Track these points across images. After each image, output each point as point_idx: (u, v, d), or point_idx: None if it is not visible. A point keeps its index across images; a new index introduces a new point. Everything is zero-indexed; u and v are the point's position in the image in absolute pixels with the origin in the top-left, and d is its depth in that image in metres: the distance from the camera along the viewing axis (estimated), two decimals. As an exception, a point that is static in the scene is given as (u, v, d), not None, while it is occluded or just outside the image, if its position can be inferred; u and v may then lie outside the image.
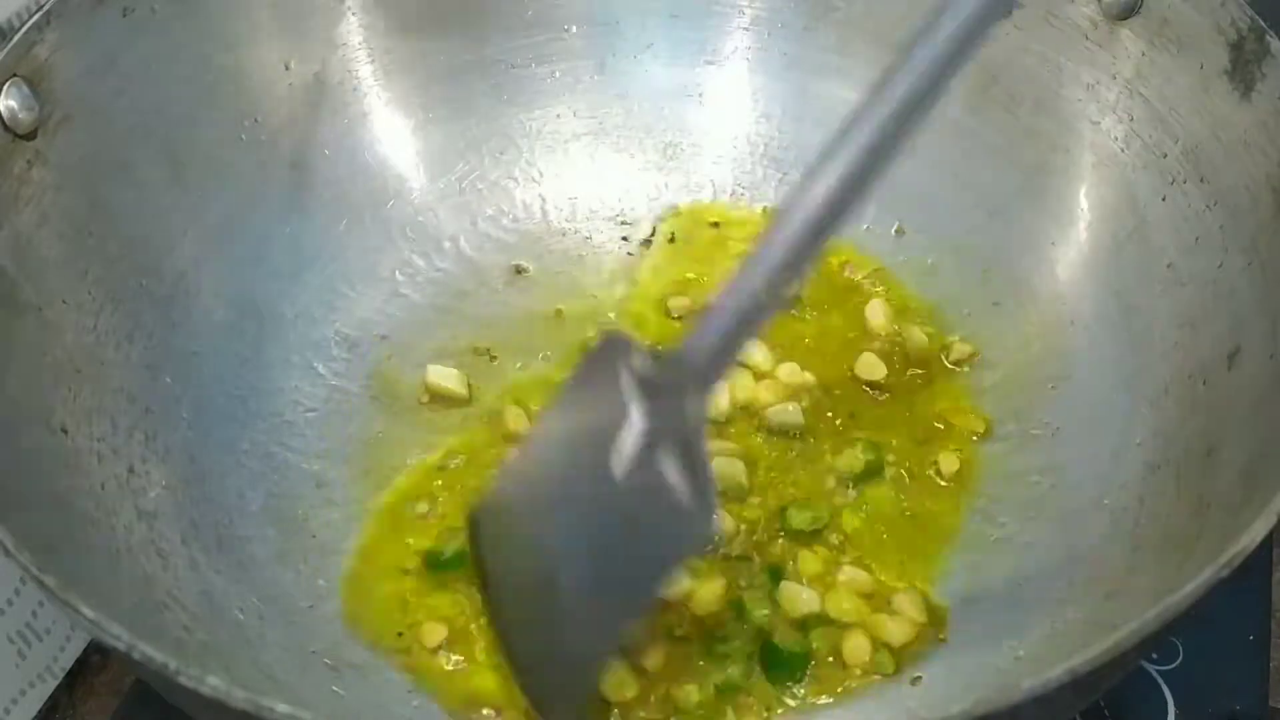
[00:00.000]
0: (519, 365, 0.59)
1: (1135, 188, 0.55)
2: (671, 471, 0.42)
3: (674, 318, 0.60)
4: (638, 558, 0.44)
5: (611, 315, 0.61)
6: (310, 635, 0.49)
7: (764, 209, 0.64)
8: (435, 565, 0.51)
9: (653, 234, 0.64)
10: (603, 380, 0.45)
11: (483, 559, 0.50)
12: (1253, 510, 0.38)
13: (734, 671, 0.48)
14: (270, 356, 0.57)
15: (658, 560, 0.44)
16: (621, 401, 0.44)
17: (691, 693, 0.47)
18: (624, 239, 0.64)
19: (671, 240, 0.64)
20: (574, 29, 0.65)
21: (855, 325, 0.59)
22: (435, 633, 0.49)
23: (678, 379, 0.43)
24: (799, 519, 0.52)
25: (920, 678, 0.48)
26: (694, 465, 0.42)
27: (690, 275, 0.62)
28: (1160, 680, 0.52)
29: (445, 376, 0.57)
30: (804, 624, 0.49)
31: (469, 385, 0.58)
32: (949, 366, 0.58)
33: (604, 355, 0.46)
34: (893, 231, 0.62)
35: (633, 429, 0.43)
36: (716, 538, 0.50)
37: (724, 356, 0.43)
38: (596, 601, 0.45)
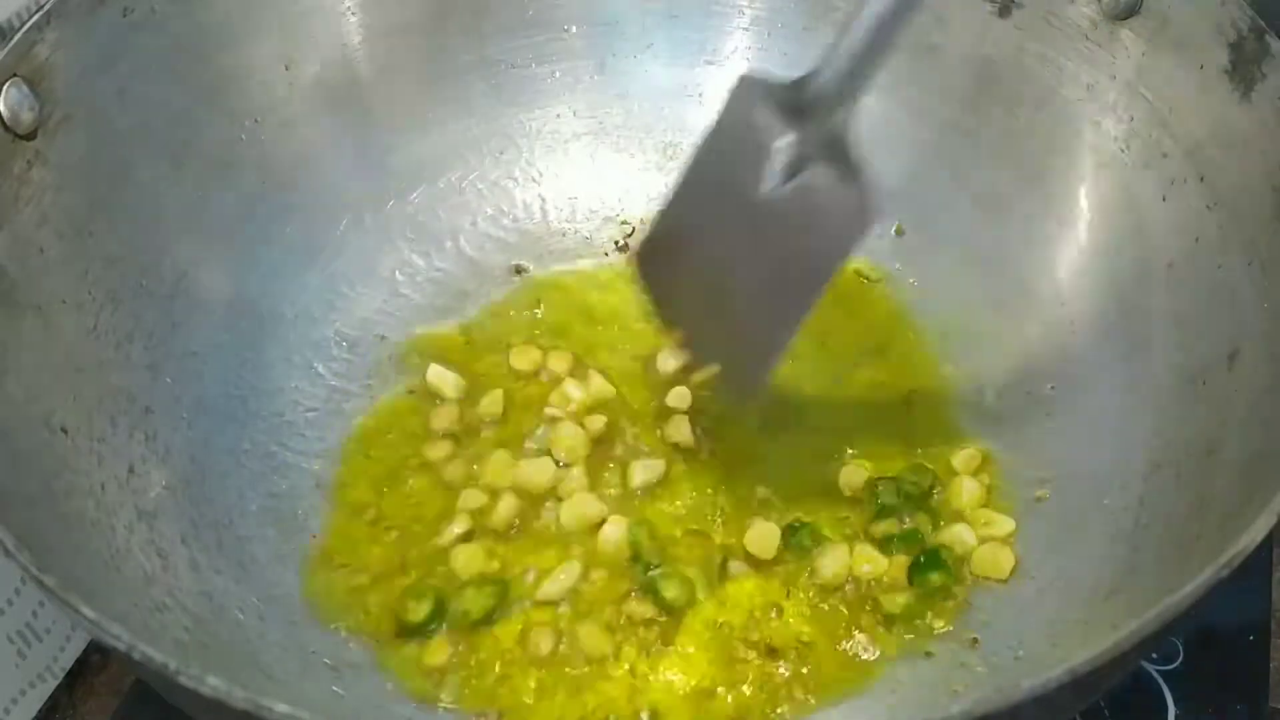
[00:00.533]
0: (519, 365, 0.59)
1: (1135, 188, 0.55)
2: (823, 180, 0.48)
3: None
4: (810, 252, 0.49)
5: (611, 314, 0.61)
6: (310, 635, 0.49)
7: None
8: (406, 632, 0.50)
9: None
10: (745, 116, 0.50)
11: (655, 287, 0.55)
12: (1253, 510, 0.38)
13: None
14: (270, 356, 0.57)
15: (824, 259, 0.49)
16: (767, 125, 0.49)
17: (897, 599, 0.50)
18: (624, 239, 0.64)
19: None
20: (574, 29, 0.65)
21: (856, 324, 0.60)
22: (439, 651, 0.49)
23: (816, 96, 0.48)
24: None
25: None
26: (848, 164, 0.47)
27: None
28: (1160, 680, 0.52)
29: (443, 378, 0.57)
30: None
31: (464, 387, 0.57)
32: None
33: (742, 92, 0.51)
34: (892, 231, 0.62)
35: (778, 151, 0.48)
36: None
37: (860, 70, 0.47)
38: (777, 296, 0.50)
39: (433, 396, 0.57)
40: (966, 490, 0.53)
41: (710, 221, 0.52)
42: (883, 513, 0.53)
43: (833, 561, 0.51)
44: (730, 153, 0.51)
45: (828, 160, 0.48)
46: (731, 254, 0.51)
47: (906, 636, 0.49)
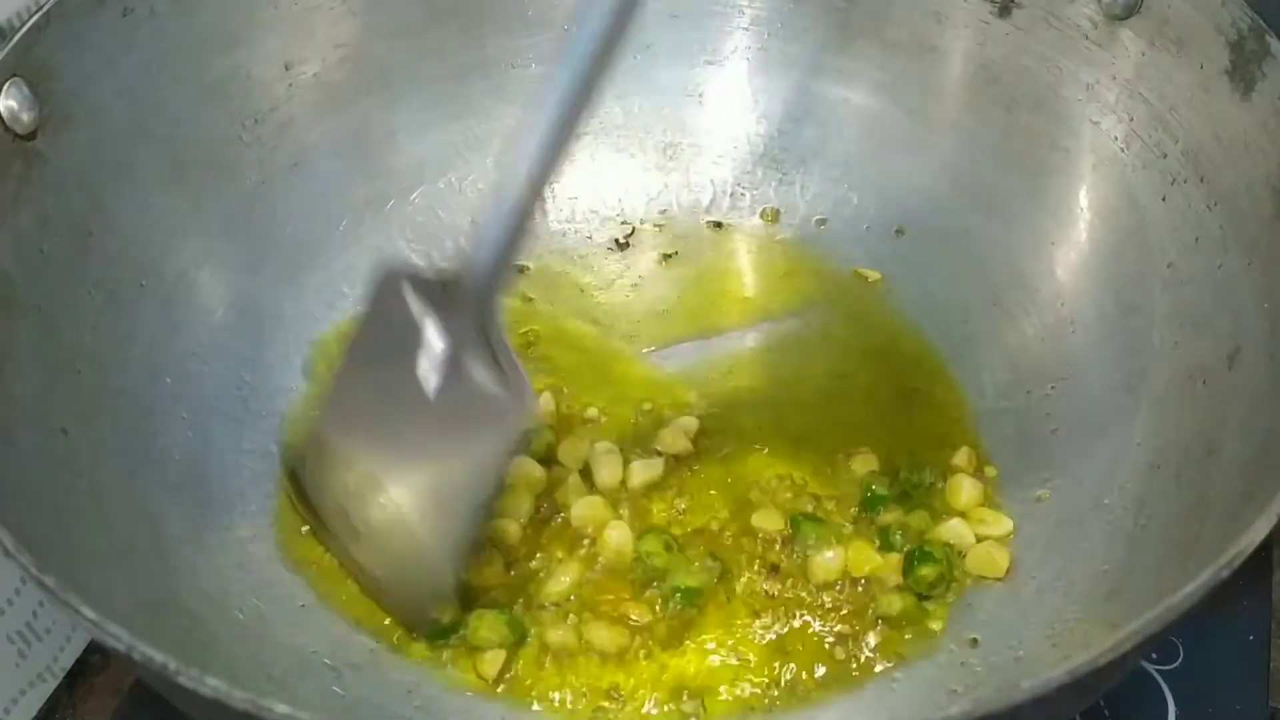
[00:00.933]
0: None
1: (1135, 188, 0.55)
2: (480, 374, 0.47)
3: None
4: (472, 459, 0.48)
5: (612, 315, 0.61)
6: (310, 635, 0.49)
7: (763, 210, 0.64)
8: (437, 636, 0.49)
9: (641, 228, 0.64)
10: (393, 312, 0.48)
11: (314, 501, 0.52)
12: (1253, 510, 0.38)
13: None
14: (270, 356, 0.57)
15: (491, 454, 0.48)
16: (415, 326, 0.47)
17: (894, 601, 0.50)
18: (625, 239, 0.64)
19: (671, 246, 0.64)
20: (574, 29, 0.65)
21: (856, 324, 0.60)
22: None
23: (464, 292, 0.47)
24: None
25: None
26: (499, 362, 0.47)
27: (689, 274, 0.62)
28: (1160, 680, 0.52)
29: None
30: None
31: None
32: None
33: (388, 288, 0.49)
34: (893, 231, 0.62)
35: (433, 347, 0.47)
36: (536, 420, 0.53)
37: (502, 263, 0.47)
38: (443, 509, 0.48)
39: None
40: (965, 489, 0.53)
41: (369, 423, 0.50)
42: (881, 507, 0.53)
43: (829, 561, 0.51)
44: (383, 350, 0.49)
45: (479, 355, 0.47)
46: (394, 465, 0.49)
47: (905, 637, 0.49)
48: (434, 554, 0.49)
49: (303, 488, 0.53)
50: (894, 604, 0.50)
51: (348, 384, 0.51)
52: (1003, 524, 0.52)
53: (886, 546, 0.52)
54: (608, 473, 0.54)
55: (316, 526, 0.52)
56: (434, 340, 0.47)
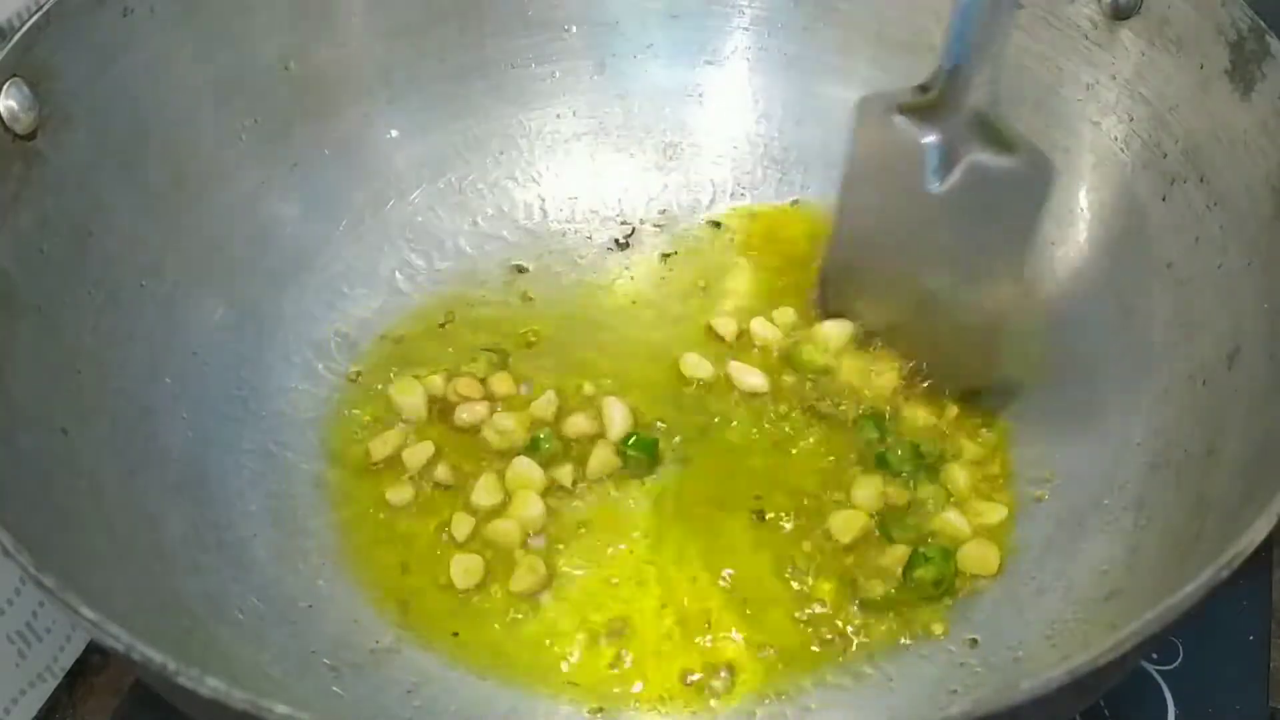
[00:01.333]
0: (520, 365, 0.59)
1: (1135, 188, 0.55)
2: (988, 154, 0.49)
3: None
4: (1001, 227, 0.50)
5: (612, 314, 0.61)
6: (310, 635, 0.49)
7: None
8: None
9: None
10: (880, 131, 0.51)
11: (853, 312, 0.56)
12: (1253, 510, 0.38)
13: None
14: (270, 356, 0.57)
15: (1022, 224, 0.50)
16: (907, 132, 0.50)
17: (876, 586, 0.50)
18: (625, 239, 0.64)
19: (671, 246, 0.64)
20: (574, 29, 0.65)
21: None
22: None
23: (944, 88, 0.49)
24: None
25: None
26: (1003, 138, 0.49)
27: (689, 274, 0.63)
28: (1160, 680, 0.52)
29: (409, 391, 0.57)
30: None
31: (430, 402, 0.57)
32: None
33: (868, 114, 0.52)
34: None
35: (930, 146, 0.50)
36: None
37: (977, 51, 0.48)
38: (981, 274, 0.51)
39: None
40: (959, 478, 0.53)
41: (888, 238, 0.53)
42: (892, 472, 0.54)
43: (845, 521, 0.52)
44: (882, 171, 0.52)
45: (982, 141, 0.50)
46: (921, 259, 0.52)
47: (904, 641, 0.49)
48: (979, 323, 0.52)
49: (833, 306, 0.57)
50: (875, 588, 0.50)
51: (852, 208, 0.54)
52: (996, 512, 0.52)
53: (889, 529, 0.52)
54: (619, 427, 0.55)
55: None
56: (928, 143, 0.50)
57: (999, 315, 0.52)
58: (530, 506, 0.53)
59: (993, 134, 0.50)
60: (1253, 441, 0.44)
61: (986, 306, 0.52)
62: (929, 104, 0.50)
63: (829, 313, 0.57)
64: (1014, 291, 0.52)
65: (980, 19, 0.48)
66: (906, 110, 0.51)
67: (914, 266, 0.53)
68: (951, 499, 0.53)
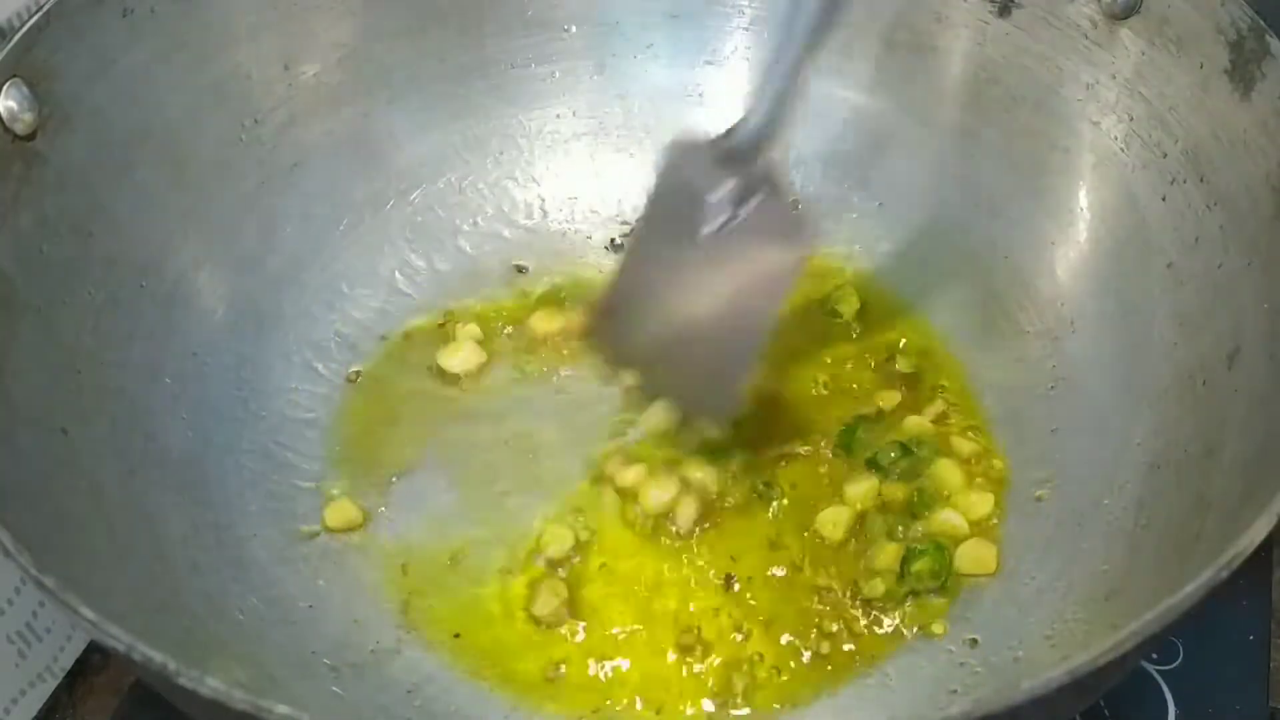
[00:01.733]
0: (520, 365, 0.59)
1: (1135, 188, 0.55)
2: (766, 206, 0.51)
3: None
4: (760, 283, 0.52)
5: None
6: (310, 635, 0.49)
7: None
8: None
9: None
10: (676, 177, 0.53)
11: (620, 339, 0.56)
12: (1253, 510, 0.38)
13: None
14: (270, 356, 0.57)
15: (780, 273, 0.52)
16: (703, 176, 0.51)
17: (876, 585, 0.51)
18: (624, 239, 0.64)
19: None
20: (574, 29, 0.65)
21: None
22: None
23: (745, 140, 0.50)
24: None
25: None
26: (783, 194, 0.51)
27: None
28: (1160, 680, 0.52)
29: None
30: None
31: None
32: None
33: (674, 155, 0.53)
34: (893, 231, 0.62)
35: (719, 191, 0.51)
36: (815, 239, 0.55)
37: (782, 106, 0.50)
38: (736, 326, 0.52)
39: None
40: (951, 474, 0.53)
41: (661, 276, 0.53)
42: (883, 473, 0.54)
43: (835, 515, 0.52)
44: (672, 210, 0.53)
45: (765, 194, 0.51)
46: (687, 300, 0.53)
47: (904, 641, 0.49)
48: (727, 373, 0.53)
49: (597, 334, 0.57)
50: (877, 587, 0.50)
51: (641, 243, 0.56)
52: (983, 501, 0.53)
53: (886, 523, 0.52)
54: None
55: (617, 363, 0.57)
56: (717, 189, 0.51)
57: (746, 359, 0.53)
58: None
59: (776, 188, 0.51)
60: (1253, 441, 0.44)
61: (736, 350, 0.52)
62: (725, 152, 0.51)
63: (597, 346, 0.57)
64: (760, 338, 0.52)
65: (782, 80, 0.49)
66: (704, 156, 0.51)
67: (680, 306, 0.53)
68: (946, 493, 0.53)
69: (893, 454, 0.54)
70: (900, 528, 0.52)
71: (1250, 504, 0.39)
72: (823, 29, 0.48)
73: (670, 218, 0.53)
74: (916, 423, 0.55)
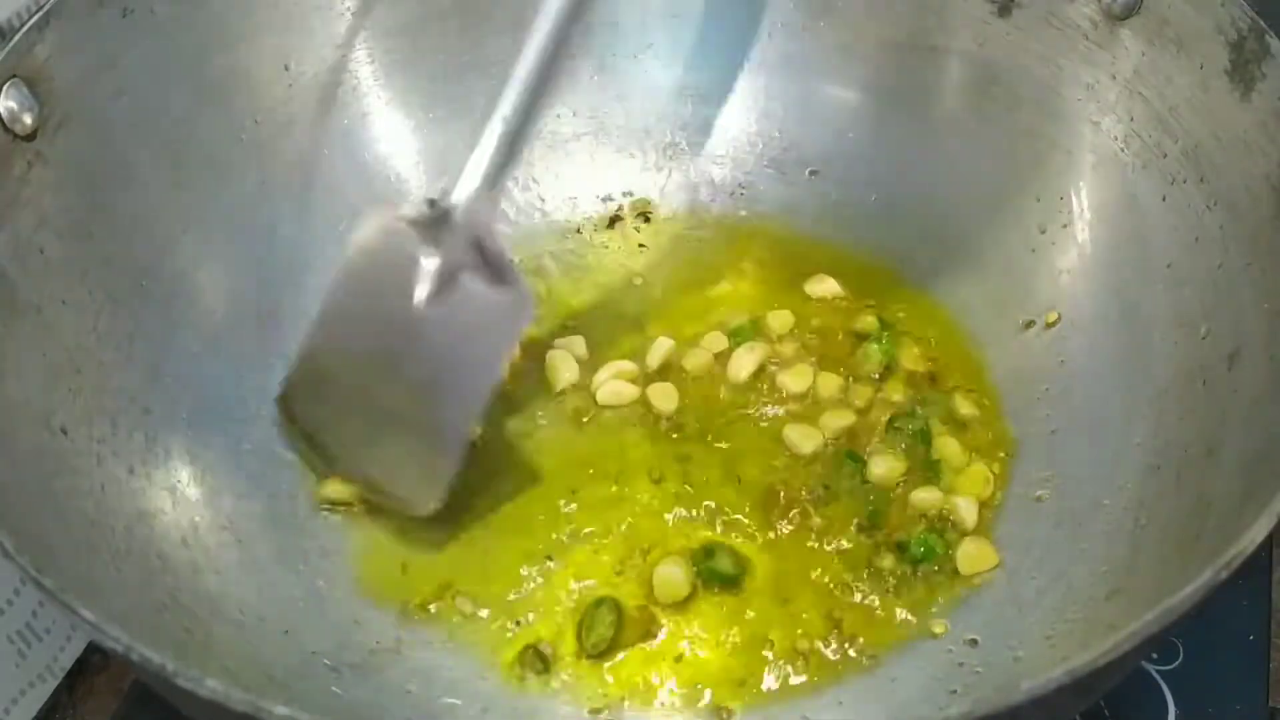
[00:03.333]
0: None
1: (1135, 188, 0.55)
2: (478, 279, 0.51)
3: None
4: (474, 354, 0.51)
5: (611, 315, 0.61)
6: (310, 635, 0.49)
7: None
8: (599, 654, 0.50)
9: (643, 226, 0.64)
10: (381, 243, 0.52)
11: (308, 422, 0.54)
12: (1253, 510, 0.38)
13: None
14: (270, 356, 0.57)
15: (494, 347, 0.52)
16: (410, 249, 0.51)
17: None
18: (623, 238, 0.64)
19: (671, 246, 0.64)
20: (574, 28, 0.65)
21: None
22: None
23: (454, 215, 0.50)
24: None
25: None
26: (496, 265, 0.51)
27: (689, 273, 0.63)
28: (1160, 680, 0.52)
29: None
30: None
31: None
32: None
33: (374, 228, 0.52)
34: (893, 231, 0.62)
35: (428, 266, 0.50)
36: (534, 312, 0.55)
37: (491, 175, 0.51)
38: (446, 398, 0.51)
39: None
40: (951, 448, 0.54)
41: (366, 347, 0.53)
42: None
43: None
44: (374, 283, 0.52)
45: (476, 265, 0.51)
46: (393, 374, 0.52)
47: (904, 641, 0.49)
48: (435, 448, 0.51)
49: (293, 411, 0.55)
50: (885, 560, 0.51)
51: (337, 310, 0.53)
52: (981, 474, 0.53)
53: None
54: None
55: (308, 448, 0.54)
56: (426, 263, 0.50)
57: (453, 440, 0.51)
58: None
59: (488, 259, 0.51)
60: (1253, 441, 0.44)
61: (442, 429, 0.51)
62: (433, 221, 0.51)
63: (291, 418, 0.55)
64: (470, 417, 0.52)
65: (494, 150, 0.50)
66: (411, 224, 0.51)
67: (384, 381, 0.52)
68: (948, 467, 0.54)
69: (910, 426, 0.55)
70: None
71: (1250, 504, 0.39)
72: (529, 104, 0.50)
73: (373, 291, 0.52)
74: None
